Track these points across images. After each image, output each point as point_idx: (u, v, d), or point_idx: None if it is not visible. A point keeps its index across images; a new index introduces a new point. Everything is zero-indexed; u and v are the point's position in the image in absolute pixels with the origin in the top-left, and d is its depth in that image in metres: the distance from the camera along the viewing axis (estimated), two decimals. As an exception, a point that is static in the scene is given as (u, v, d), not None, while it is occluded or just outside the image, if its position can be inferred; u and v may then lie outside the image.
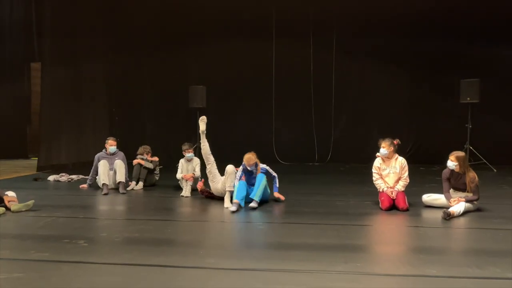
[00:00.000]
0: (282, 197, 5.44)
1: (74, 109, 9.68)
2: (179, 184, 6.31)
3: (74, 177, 7.59)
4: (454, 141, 9.67)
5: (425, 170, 8.97)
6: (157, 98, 11.12)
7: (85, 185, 6.61)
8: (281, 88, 10.63)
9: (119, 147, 10.76)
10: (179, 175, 6.26)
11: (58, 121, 9.23)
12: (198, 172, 6.32)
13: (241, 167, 5.48)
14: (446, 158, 4.90)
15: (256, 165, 5.41)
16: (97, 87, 10.49)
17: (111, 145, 6.64)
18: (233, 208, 4.83)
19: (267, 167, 5.53)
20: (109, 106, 11.06)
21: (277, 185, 5.47)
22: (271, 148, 10.70)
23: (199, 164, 6.40)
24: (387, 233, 4.17)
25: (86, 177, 6.84)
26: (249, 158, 5.36)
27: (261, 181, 5.22)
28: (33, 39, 11.07)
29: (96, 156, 6.64)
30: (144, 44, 10.94)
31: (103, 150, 6.72)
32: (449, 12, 9.81)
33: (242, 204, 4.99)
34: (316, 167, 9.95)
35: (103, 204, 5.45)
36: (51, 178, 7.41)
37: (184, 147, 6.39)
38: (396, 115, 10.51)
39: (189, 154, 6.34)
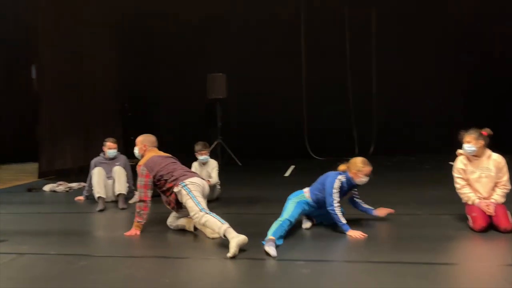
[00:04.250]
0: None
1: (80, 106, 8.58)
2: (193, 193, 5.04)
3: (75, 185, 6.47)
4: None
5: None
6: (173, 89, 9.88)
7: (81, 197, 5.46)
8: (313, 69, 9.13)
9: (132, 147, 9.75)
10: (191, 183, 4.97)
11: (61, 121, 8.15)
12: (215, 178, 5.03)
13: (341, 177, 3.59)
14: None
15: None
16: (105, 81, 9.35)
17: (109, 148, 5.42)
18: (272, 251, 3.05)
19: None
20: (120, 101, 9.94)
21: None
22: (302, 140, 9.28)
23: (216, 168, 5.10)
24: (501, 280, 2.66)
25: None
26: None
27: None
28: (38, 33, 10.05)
29: (92, 161, 5.45)
30: (156, 29, 9.68)
31: (101, 154, 5.52)
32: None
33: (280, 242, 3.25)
34: (357, 162, 8.45)
35: (92, 228, 4.24)
36: (47, 188, 6.32)
37: (197, 147, 5.09)
38: (450, 96, 8.87)
39: (202, 156, 5.03)
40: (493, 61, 8.48)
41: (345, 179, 3.62)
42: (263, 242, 3.17)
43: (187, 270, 2.94)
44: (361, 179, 3.59)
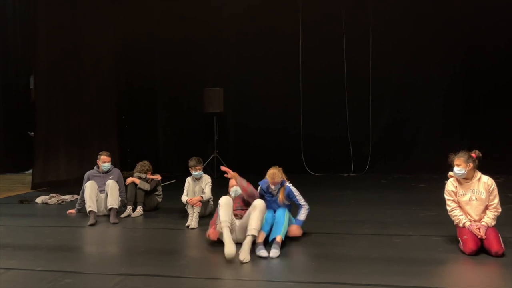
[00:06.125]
0: (298, 234, 3.94)
1: (77, 118, 8.58)
2: (186, 208, 5.03)
3: (67, 197, 6.45)
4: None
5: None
6: (170, 103, 9.90)
7: (73, 211, 5.44)
8: (310, 86, 9.17)
9: (128, 158, 9.81)
10: (184, 198, 4.97)
11: (57, 132, 8.14)
12: (208, 194, 5.01)
13: (259, 187, 4.20)
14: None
15: (282, 184, 4.08)
16: (103, 93, 9.37)
17: (104, 162, 5.44)
18: (263, 253, 3.45)
19: (294, 189, 4.14)
20: (117, 113, 9.95)
21: (303, 217, 4.04)
22: (299, 157, 9.27)
23: (209, 184, 5.09)
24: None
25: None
26: (274, 174, 4.01)
27: (283, 217, 3.82)
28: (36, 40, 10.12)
29: (86, 174, 5.46)
30: (155, 43, 9.74)
31: (95, 167, 5.53)
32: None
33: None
34: (352, 180, 8.45)
35: (82, 243, 4.20)
36: (39, 200, 6.28)
37: (191, 162, 5.09)
38: (446, 115, 8.88)
39: (196, 172, 5.03)
40: (493, 80, 8.51)
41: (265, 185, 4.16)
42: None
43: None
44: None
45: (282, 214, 3.83)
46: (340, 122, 9.14)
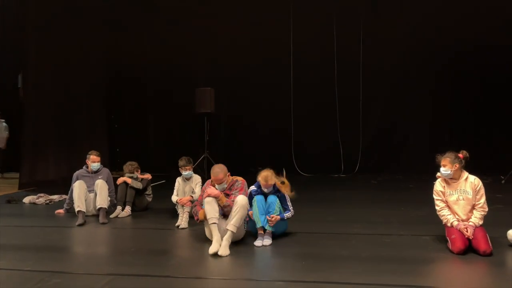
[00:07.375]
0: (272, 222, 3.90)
1: (65, 117, 8.49)
2: (176, 208, 5.00)
3: (56, 197, 6.37)
4: (507, 149, 8.24)
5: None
6: (161, 102, 9.85)
7: (61, 210, 5.37)
8: (301, 87, 9.20)
9: (118, 158, 9.72)
10: (174, 198, 4.95)
11: (45, 131, 8.04)
12: (198, 194, 4.97)
13: (252, 187, 4.16)
14: (498, 169, 3.47)
15: (274, 186, 4.07)
16: (92, 92, 9.29)
17: (93, 161, 5.38)
18: (260, 242, 3.73)
19: (287, 197, 4.17)
20: (106, 113, 9.86)
21: (287, 216, 4.04)
22: (290, 157, 9.29)
23: (199, 184, 5.06)
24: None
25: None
26: (267, 176, 3.98)
27: (274, 204, 3.91)
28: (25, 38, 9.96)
29: (75, 174, 5.39)
30: (144, 42, 9.68)
31: (84, 167, 5.47)
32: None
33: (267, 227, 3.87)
34: (342, 180, 8.50)
35: (70, 243, 4.14)
36: (27, 199, 6.20)
37: (180, 162, 5.07)
38: (435, 116, 8.99)
39: (186, 172, 5.01)
40: (482, 82, 8.63)
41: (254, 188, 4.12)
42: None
43: (164, 289, 2.89)
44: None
45: (274, 199, 3.97)
46: (330, 123, 9.18)
